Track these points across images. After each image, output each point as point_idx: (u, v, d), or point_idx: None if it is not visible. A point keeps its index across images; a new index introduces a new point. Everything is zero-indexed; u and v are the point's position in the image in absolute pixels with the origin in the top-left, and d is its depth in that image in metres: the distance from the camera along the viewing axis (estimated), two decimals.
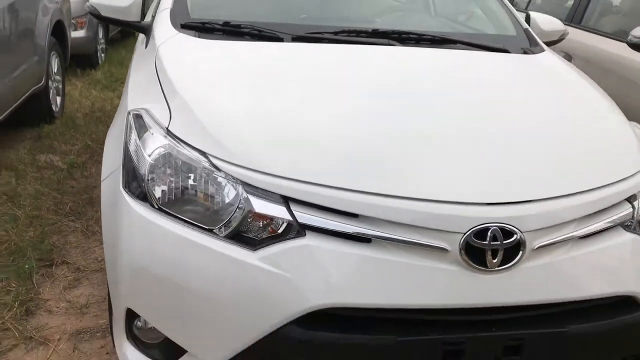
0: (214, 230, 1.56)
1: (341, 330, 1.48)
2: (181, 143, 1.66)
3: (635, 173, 1.75)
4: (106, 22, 2.60)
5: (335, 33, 2.34)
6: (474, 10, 2.90)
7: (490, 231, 1.48)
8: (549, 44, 2.91)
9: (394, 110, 1.82)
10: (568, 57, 3.96)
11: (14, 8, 4.06)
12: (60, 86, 5.39)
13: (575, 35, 4.00)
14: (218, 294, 1.51)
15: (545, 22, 2.90)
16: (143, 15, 2.65)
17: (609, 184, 1.67)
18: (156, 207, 1.61)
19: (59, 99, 5.31)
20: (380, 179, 1.53)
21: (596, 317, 1.61)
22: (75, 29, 6.66)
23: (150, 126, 1.75)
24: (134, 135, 1.76)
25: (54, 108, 5.06)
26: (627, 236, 1.66)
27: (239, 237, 1.54)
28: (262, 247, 1.50)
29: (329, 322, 1.49)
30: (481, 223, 1.48)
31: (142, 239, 1.60)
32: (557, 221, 1.54)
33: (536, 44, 2.64)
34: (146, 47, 2.40)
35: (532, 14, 2.93)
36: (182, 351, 1.62)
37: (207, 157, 1.61)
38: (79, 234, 3.17)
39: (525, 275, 1.52)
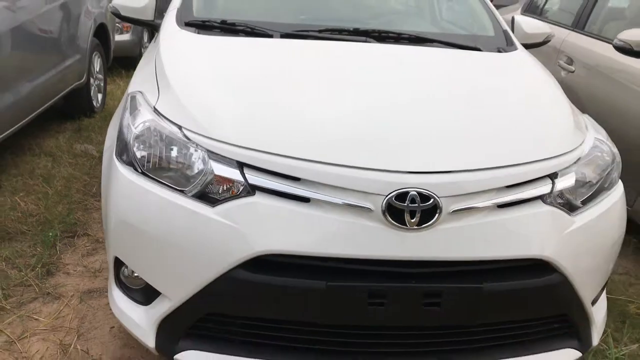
0: (185, 191, 1.86)
1: (281, 275, 1.75)
2: (162, 118, 1.97)
3: (560, 155, 1.96)
4: (125, 20, 2.96)
5: (320, 31, 2.63)
6: (459, 13, 3.13)
7: (409, 195, 1.73)
8: (534, 45, 3.12)
9: (347, 93, 2.09)
10: (570, 60, 4.11)
11: (58, 10, 4.51)
12: (102, 84, 5.85)
13: (578, 40, 4.16)
14: (182, 243, 1.80)
15: (530, 25, 3.10)
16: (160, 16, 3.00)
17: (529, 162, 1.88)
18: (139, 171, 1.93)
19: (100, 96, 5.77)
20: (320, 148, 1.80)
21: (511, 277, 1.83)
22: (121, 33, 7.15)
23: (141, 104, 2.07)
24: (127, 113, 2.09)
25: (94, 104, 5.51)
26: (544, 208, 1.88)
27: (203, 196, 1.84)
28: (219, 203, 1.80)
29: (272, 267, 1.76)
30: (401, 187, 1.73)
31: (126, 197, 1.92)
32: (471, 190, 1.77)
33: (512, 43, 2.85)
34: (154, 41, 2.74)
35: (517, 18, 3.14)
36: (158, 293, 1.93)
37: (181, 130, 1.92)
38: (101, 212, 3.53)
39: (442, 235, 1.76)
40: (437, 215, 1.75)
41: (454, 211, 1.77)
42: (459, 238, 1.77)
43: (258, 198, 1.77)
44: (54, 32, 4.44)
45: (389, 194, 1.73)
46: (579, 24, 4.28)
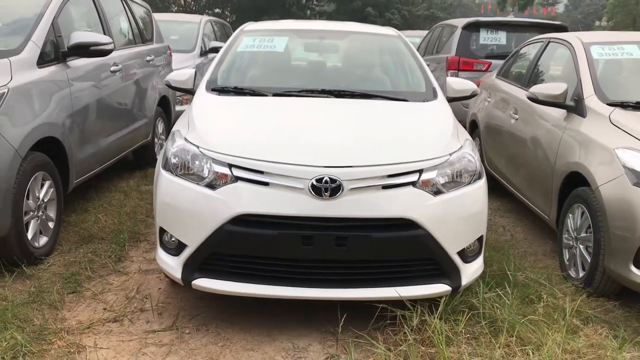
0: (199, 184, 3.16)
1: (252, 227, 3.01)
2: (188, 143, 3.32)
3: (425, 160, 3.17)
4: (174, 89, 4.41)
5: (299, 92, 3.97)
6: (403, 77, 4.42)
7: (324, 179, 2.98)
8: (464, 97, 4.35)
9: (299, 123, 3.43)
10: (515, 110, 5.28)
11: (132, 85, 6.08)
12: (164, 143, 7.37)
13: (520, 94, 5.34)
14: (197, 211, 3.09)
15: (458, 83, 4.33)
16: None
17: (403, 162, 3.11)
18: (174, 174, 3.26)
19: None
20: (275, 154, 3.09)
21: (390, 231, 3.03)
22: (181, 104, 8.77)
23: (177, 136, 3.44)
24: (169, 142, 3.46)
25: (157, 157, 7.01)
26: (413, 190, 3.09)
27: (209, 185, 3.13)
28: (217, 188, 3.09)
29: (247, 223, 3.02)
30: (319, 174, 2.99)
31: (166, 188, 3.25)
32: (362, 177, 3.01)
33: (436, 96, 4.09)
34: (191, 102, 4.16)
35: (448, 79, 4.38)
36: (184, 247, 3.20)
37: (199, 148, 3.25)
38: None
39: (344, 202, 2.99)
40: (340, 191, 2.98)
41: (351, 189, 3.00)
42: (356, 204, 3.00)
43: (239, 183, 3.07)
44: (127, 102, 5.98)
45: (312, 178, 2.99)
46: (523, 82, 5.48)
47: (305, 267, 3.07)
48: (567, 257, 4.10)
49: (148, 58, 6.65)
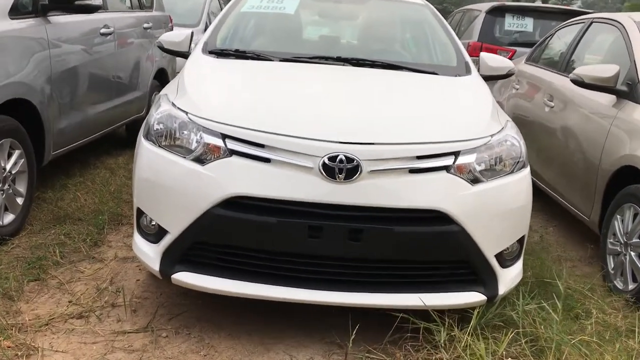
0: (186, 157, 2.60)
1: (246, 212, 2.44)
2: (176, 108, 2.75)
3: (463, 140, 2.60)
4: (167, 52, 3.83)
5: (311, 58, 3.39)
6: (432, 49, 3.84)
7: (338, 157, 2.41)
8: (499, 77, 3.77)
9: (308, 91, 2.85)
10: (550, 97, 4.70)
11: (124, 53, 5.51)
12: None
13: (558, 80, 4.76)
14: (182, 190, 2.53)
15: (494, 60, 3.75)
16: None
17: (436, 142, 2.54)
18: (157, 144, 2.69)
19: None
20: (279, 124, 2.52)
21: (417, 224, 2.46)
22: None
23: (163, 100, 2.87)
24: (153, 108, 2.89)
25: None
26: (447, 176, 2.51)
27: (197, 160, 2.57)
28: (207, 163, 2.52)
29: (241, 207, 2.46)
30: (333, 151, 2.42)
31: (146, 161, 2.69)
32: (385, 157, 2.44)
33: (469, 72, 3.51)
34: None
35: (482, 54, 3.80)
36: (164, 233, 2.64)
37: (187, 114, 2.68)
38: None
39: (362, 187, 2.42)
40: (358, 173, 2.41)
41: (372, 171, 2.43)
42: (377, 190, 2.43)
43: (233, 158, 2.50)
44: (119, 71, 5.41)
45: (324, 155, 2.42)
46: (560, 67, 4.89)
47: (310, 264, 2.50)
48: (613, 265, 3.53)
49: (146, 26, 6.07)
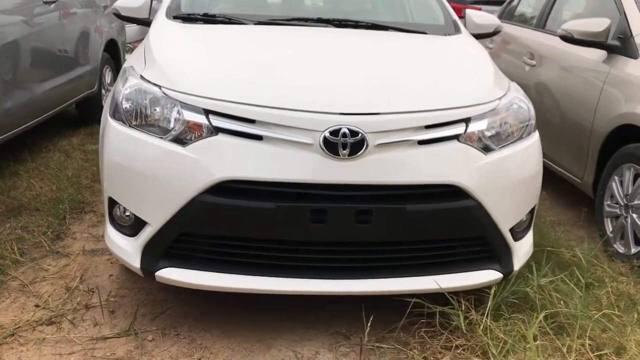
0: (163, 137, 2.27)
1: (239, 198, 2.15)
2: (146, 82, 2.41)
3: (473, 105, 2.36)
4: (125, 20, 3.44)
5: (288, 20, 3.07)
6: (416, 8, 3.56)
7: (341, 131, 2.13)
8: (486, 35, 3.54)
9: (297, 55, 2.55)
10: (531, 55, 4.51)
11: (70, 24, 5.03)
12: None
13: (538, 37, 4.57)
14: (161, 176, 2.21)
15: (480, 17, 3.51)
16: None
17: (445, 109, 2.28)
18: (127, 124, 2.35)
19: None
20: (271, 96, 2.22)
21: (430, 201, 2.22)
22: (131, 52, 7.69)
23: (130, 74, 2.52)
24: (119, 81, 2.53)
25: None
26: (459, 145, 2.27)
27: (177, 140, 2.25)
28: (189, 144, 2.21)
29: (232, 192, 2.16)
30: (335, 124, 2.14)
31: (117, 143, 2.35)
32: (392, 128, 2.17)
33: (458, 30, 3.26)
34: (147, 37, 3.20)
35: (468, 11, 3.56)
36: (143, 225, 2.33)
37: (160, 89, 2.35)
38: None
39: (369, 164, 2.15)
40: (364, 147, 2.15)
41: (378, 144, 2.16)
42: (384, 166, 2.17)
43: (220, 137, 2.19)
44: (66, 44, 4.94)
45: (325, 129, 2.14)
46: (539, 23, 4.69)
47: (314, 251, 2.24)
48: (612, 228, 3.40)
49: None
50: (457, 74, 2.61)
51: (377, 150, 2.17)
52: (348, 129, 2.14)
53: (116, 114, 2.42)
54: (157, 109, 2.32)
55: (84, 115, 5.76)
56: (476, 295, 2.46)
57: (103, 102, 5.90)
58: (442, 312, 2.36)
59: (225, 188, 2.15)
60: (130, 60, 2.79)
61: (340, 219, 2.16)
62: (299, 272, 2.23)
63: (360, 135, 2.14)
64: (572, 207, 4.08)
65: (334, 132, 2.14)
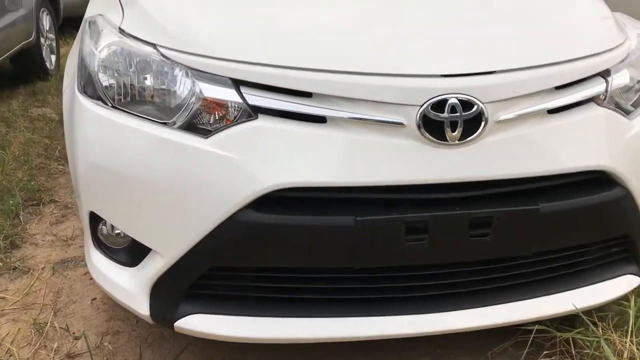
0: (168, 123, 1.51)
1: (299, 213, 1.43)
2: (131, 38, 1.61)
3: (610, 49, 1.66)
4: None
5: None
6: None
7: (448, 103, 1.42)
8: None
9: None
10: None
11: None
12: (54, 44, 5.36)
13: None
14: (173, 185, 1.47)
15: None
16: None
17: (577, 58, 1.58)
18: (109, 105, 1.57)
19: (53, 57, 5.30)
20: (333, 55, 1.47)
21: (570, 195, 1.54)
22: None
23: (103, 27, 1.70)
24: (87, 39, 1.71)
25: (47, 65, 5.05)
26: (599, 111, 1.59)
27: (192, 127, 1.49)
28: (214, 133, 1.45)
29: (286, 205, 1.44)
30: (438, 94, 1.41)
31: (96, 136, 1.57)
32: (521, 93, 1.47)
33: None
34: None
35: None
36: (147, 250, 1.59)
37: (157, 49, 1.56)
38: (68, 176, 3.15)
39: (488, 150, 1.46)
40: (482, 125, 1.44)
41: (501, 120, 1.46)
42: (508, 152, 1.47)
43: (262, 122, 1.44)
44: None
45: (424, 103, 1.41)
46: None
47: (407, 278, 1.55)
48: None
49: None
50: (575, 12, 1.86)
51: (498, 128, 1.47)
52: (457, 99, 1.42)
53: (88, 88, 1.62)
54: (155, 80, 1.53)
55: (22, 70, 4.82)
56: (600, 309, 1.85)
57: (44, 53, 4.95)
58: (563, 339, 1.75)
59: (277, 199, 1.42)
60: (94, 6, 1.95)
61: (446, 234, 1.47)
62: (387, 308, 1.55)
63: (476, 107, 1.43)
64: None
65: (437, 106, 1.42)
